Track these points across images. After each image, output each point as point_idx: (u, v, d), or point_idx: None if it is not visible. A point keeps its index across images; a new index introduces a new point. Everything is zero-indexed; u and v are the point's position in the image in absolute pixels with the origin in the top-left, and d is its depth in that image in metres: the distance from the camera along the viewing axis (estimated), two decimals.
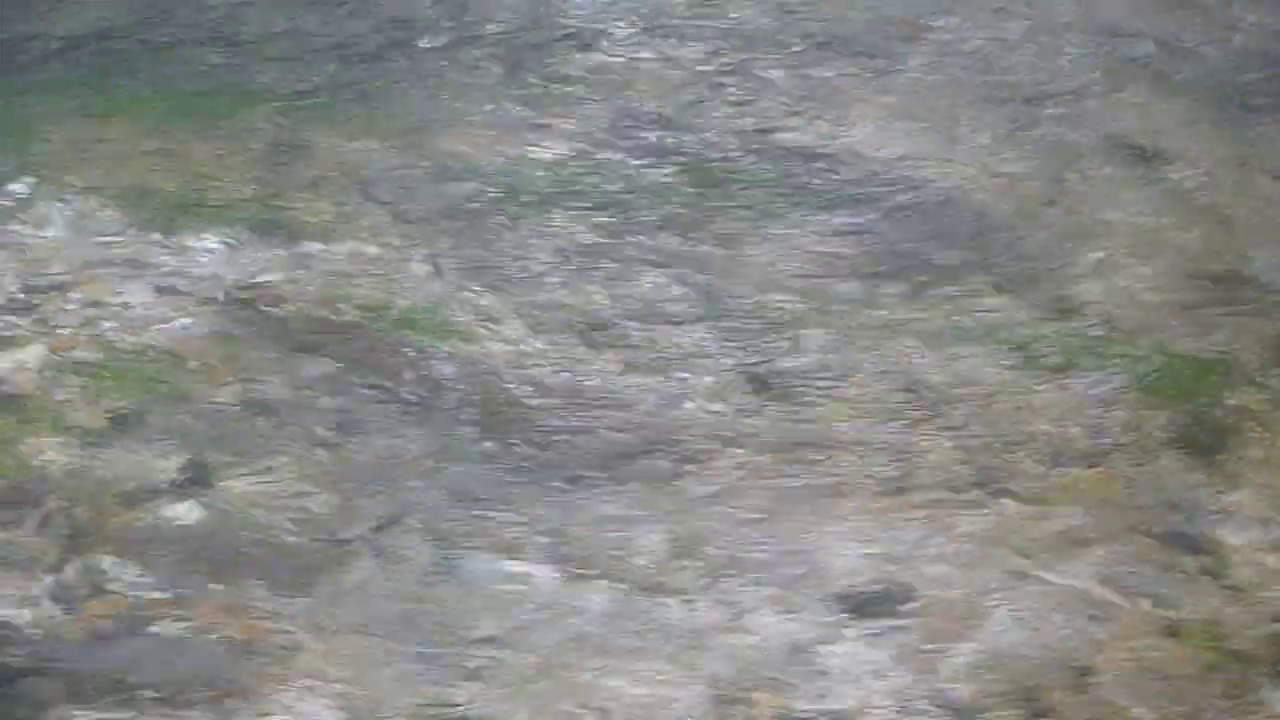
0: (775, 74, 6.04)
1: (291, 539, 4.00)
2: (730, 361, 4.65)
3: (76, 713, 3.52)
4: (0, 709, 3.52)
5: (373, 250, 5.00)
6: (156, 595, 3.82)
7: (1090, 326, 4.82)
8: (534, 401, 4.47)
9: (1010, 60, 6.19)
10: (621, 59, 6.14)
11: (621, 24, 6.32)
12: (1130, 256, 5.12)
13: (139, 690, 3.57)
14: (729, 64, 6.11)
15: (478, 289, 4.88)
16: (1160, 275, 5.05)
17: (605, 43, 6.21)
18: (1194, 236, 5.23)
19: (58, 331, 4.59)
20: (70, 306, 4.68)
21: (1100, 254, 5.12)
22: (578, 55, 6.12)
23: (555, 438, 4.34)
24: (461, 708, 3.59)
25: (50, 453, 4.18)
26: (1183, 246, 5.18)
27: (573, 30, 6.26)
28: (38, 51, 5.99)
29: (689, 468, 4.27)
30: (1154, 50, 6.24)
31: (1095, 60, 6.18)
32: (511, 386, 4.52)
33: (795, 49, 6.22)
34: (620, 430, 4.38)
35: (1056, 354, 4.70)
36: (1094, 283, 5.00)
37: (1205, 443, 4.38)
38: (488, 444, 4.32)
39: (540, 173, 5.44)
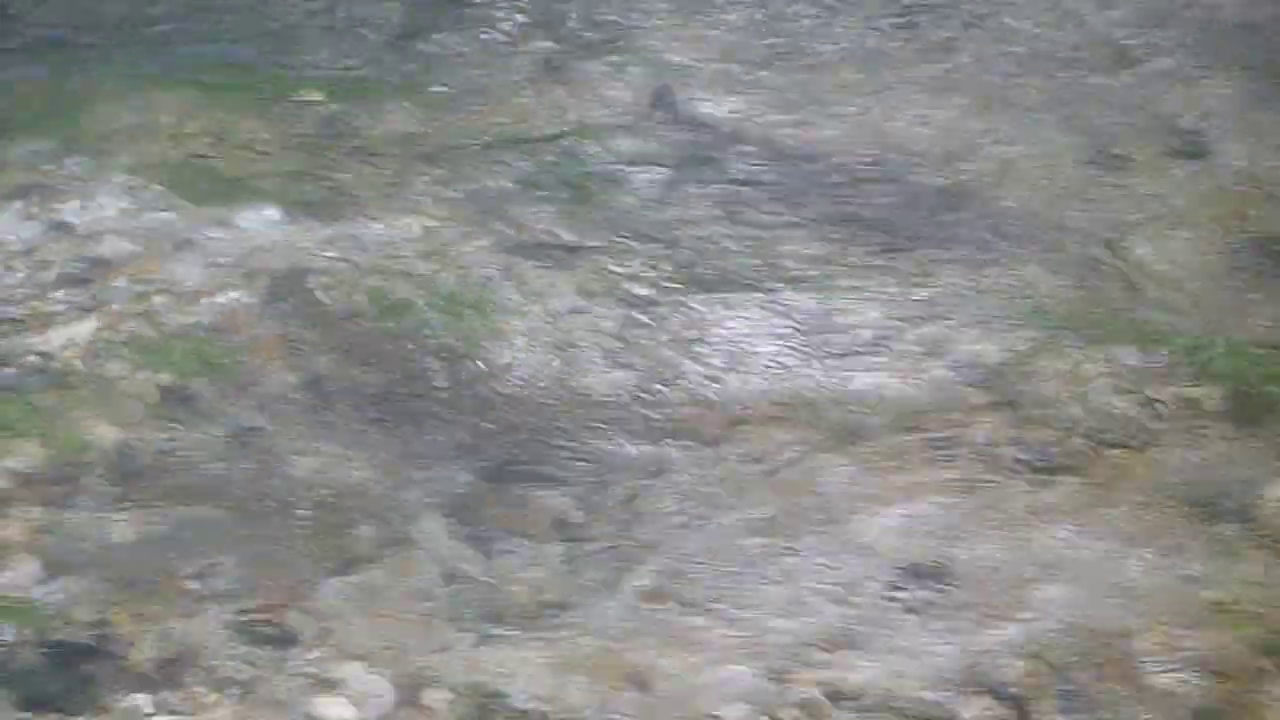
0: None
1: (336, 515, 4.02)
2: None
3: (137, 697, 3.55)
4: (60, 692, 3.54)
5: (422, 226, 5.01)
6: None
7: (1139, 303, 4.80)
8: (585, 379, 4.48)
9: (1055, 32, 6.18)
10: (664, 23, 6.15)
11: None
12: (1180, 232, 5.10)
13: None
14: None
15: (530, 265, 4.88)
16: (1210, 251, 5.02)
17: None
18: (1243, 211, 5.20)
19: (108, 308, 4.61)
20: (120, 283, 4.70)
21: (1150, 230, 5.10)
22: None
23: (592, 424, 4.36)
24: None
25: (100, 428, 4.21)
26: (1233, 222, 5.15)
27: None
28: (89, 31, 6.01)
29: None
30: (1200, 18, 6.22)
31: (1140, 32, 6.16)
32: (557, 364, 4.52)
33: None
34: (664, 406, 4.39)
35: (1103, 330, 4.68)
36: (1144, 259, 4.97)
37: (1255, 417, 4.35)
38: (530, 423, 4.33)
39: (591, 144, 5.45)
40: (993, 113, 5.70)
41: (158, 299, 4.66)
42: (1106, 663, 3.64)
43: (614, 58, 5.96)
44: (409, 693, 3.54)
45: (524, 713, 3.50)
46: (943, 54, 6.08)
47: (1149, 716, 3.52)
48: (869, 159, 5.45)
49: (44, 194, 5.03)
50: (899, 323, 4.71)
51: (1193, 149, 5.53)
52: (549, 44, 6.07)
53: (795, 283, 4.86)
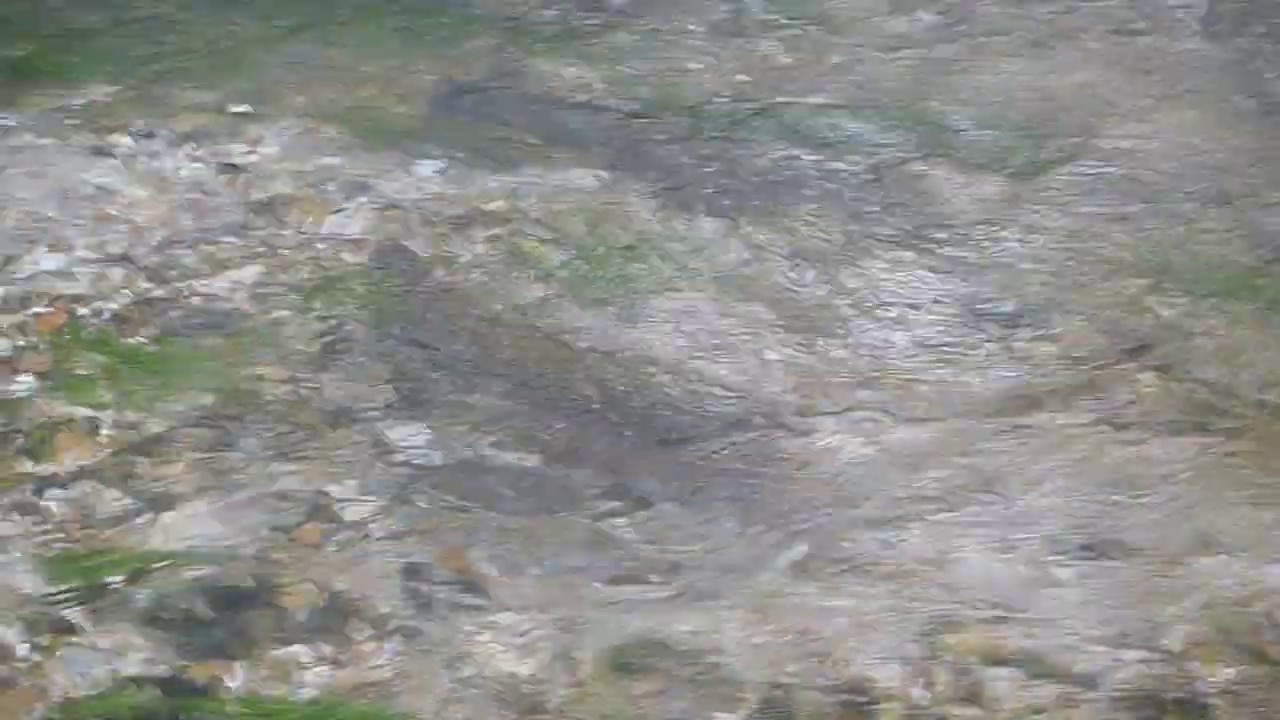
0: None
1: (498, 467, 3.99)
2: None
3: (297, 647, 3.53)
4: (221, 638, 3.54)
5: (591, 179, 4.96)
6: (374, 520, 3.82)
7: None
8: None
9: None
10: None
11: None
12: None
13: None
14: None
15: (689, 218, 4.81)
16: None
17: None
18: None
19: (275, 252, 4.61)
20: (288, 229, 4.70)
21: None
22: None
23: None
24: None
25: (263, 371, 4.20)
26: None
27: None
28: None
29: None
30: None
31: None
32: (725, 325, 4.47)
33: None
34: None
35: (1265, 295, 4.54)
36: None
37: None
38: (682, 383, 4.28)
39: (751, 102, 5.36)
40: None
41: (323, 244, 4.64)
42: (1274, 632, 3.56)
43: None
44: None
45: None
46: None
47: None
48: None
49: (213, 138, 5.05)
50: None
51: None
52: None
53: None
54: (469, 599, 3.63)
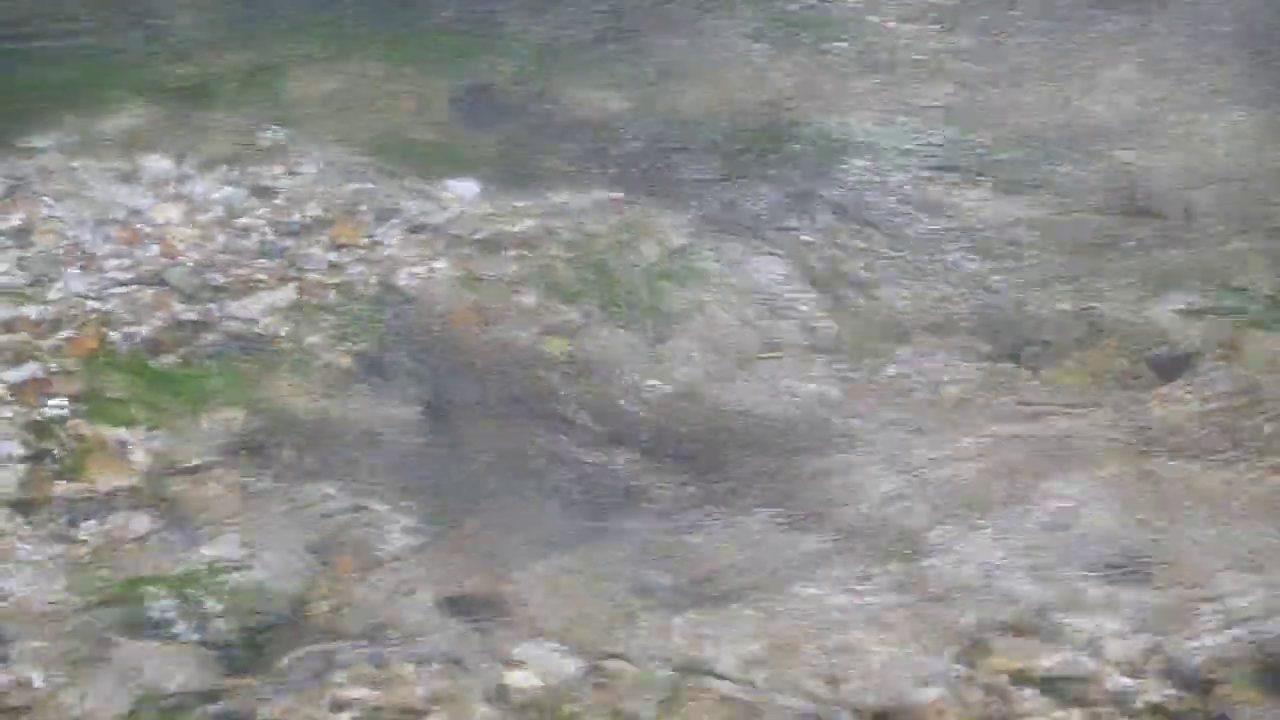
0: None
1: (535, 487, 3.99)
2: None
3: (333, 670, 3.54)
4: (256, 661, 3.55)
5: (619, 199, 4.96)
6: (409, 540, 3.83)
7: None
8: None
9: None
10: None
11: None
12: None
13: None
14: None
15: (726, 239, 4.81)
16: None
17: None
18: None
19: (307, 276, 4.62)
20: (320, 251, 4.71)
21: None
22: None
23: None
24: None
25: (298, 396, 4.21)
26: None
27: None
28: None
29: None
30: None
31: None
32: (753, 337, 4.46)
33: None
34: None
35: None
36: None
37: None
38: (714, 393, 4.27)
39: (783, 122, 5.37)
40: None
41: (355, 268, 4.65)
42: None
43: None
44: None
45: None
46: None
47: None
48: None
49: (246, 161, 5.06)
50: None
51: None
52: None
53: None
54: (507, 620, 3.64)
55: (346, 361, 4.33)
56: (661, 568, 3.76)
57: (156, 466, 3.99)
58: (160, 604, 3.63)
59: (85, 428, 4.08)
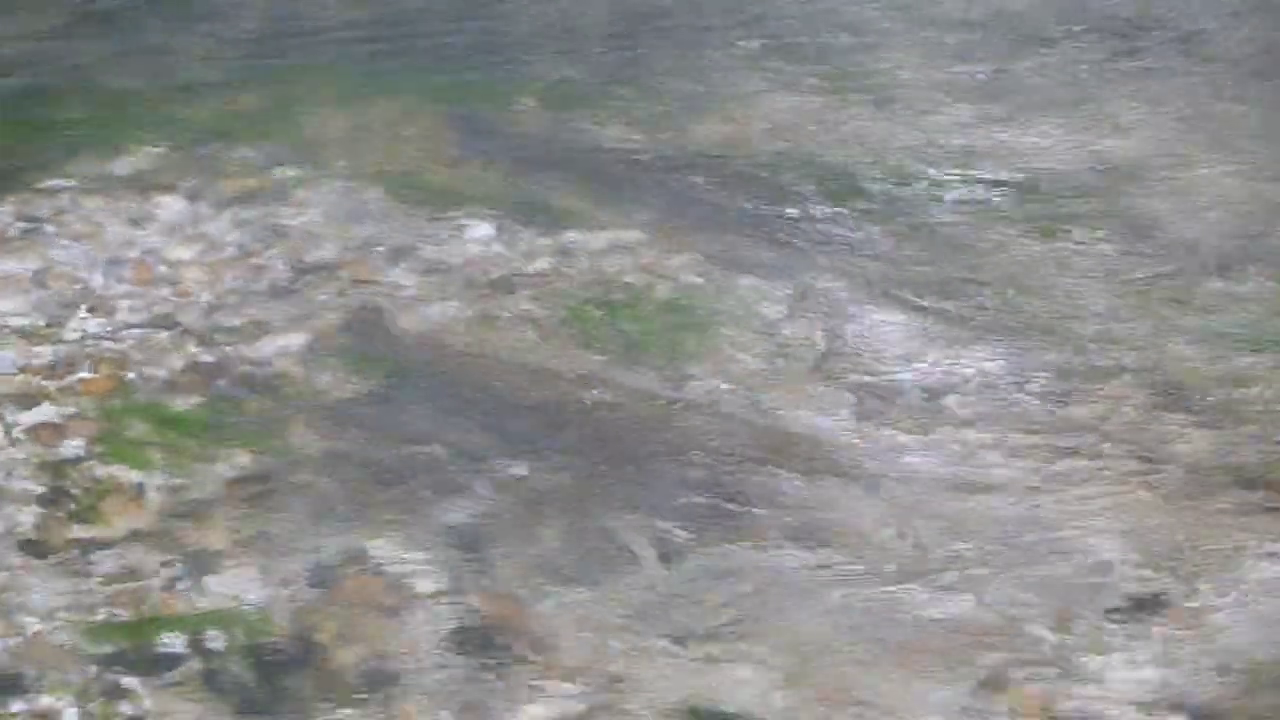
0: None
1: (549, 527, 3.98)
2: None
3: (345, 710, 3.52)
4: (267, 701, 3.54)
5: (635, 238, 4.96)
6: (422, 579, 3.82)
7: None
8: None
9: None
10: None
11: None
12: None
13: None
14: None
15: (737, 277, 4.81)
16: None
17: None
18: None
19: (321, 316, 4.62)
20: (335, 291, 4.71)
21: None
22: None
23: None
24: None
25: (309, 437, 4.21)
26: None
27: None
28: (308, 37, 6.07)
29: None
30: None
31: None
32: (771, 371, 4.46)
33: None
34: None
35: None
36: None
37: None
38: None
39: (796, 156, 5.37)
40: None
41: (369, 308, 4.66)
42: None
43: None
44: None
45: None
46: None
47: None
48: None
49: (260, 201, 5.07)
50: None
51: None
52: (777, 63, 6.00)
53: None
54: (523, 656, 3.62)
55: (358, 401, 4.32)
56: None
57: (172, 507, 3.98)
58: (172, 642, 3.63)
59: (100, 469, 4.09)
